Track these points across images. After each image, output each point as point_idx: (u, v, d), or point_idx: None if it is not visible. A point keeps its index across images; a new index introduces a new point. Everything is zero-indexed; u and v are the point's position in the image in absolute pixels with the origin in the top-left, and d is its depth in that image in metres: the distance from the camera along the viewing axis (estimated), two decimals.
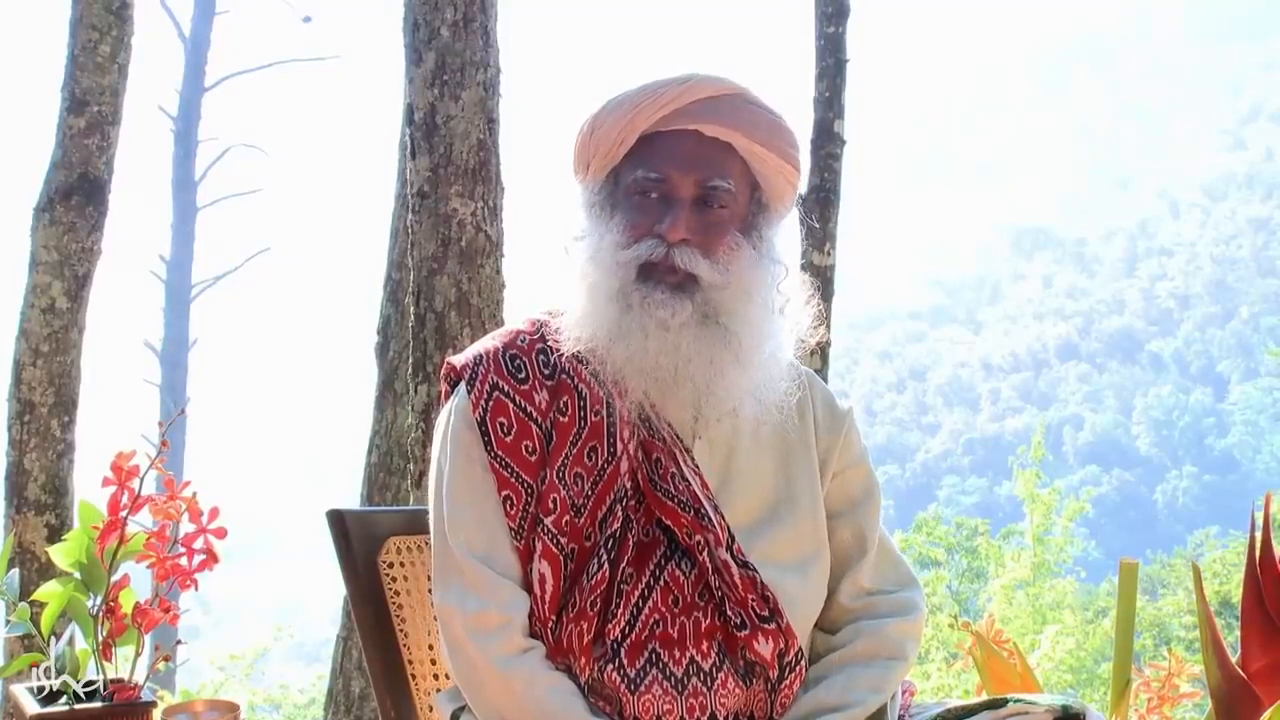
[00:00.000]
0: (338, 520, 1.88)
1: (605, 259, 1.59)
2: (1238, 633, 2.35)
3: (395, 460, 4.99)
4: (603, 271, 1.59)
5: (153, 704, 1.89)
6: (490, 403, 1.62)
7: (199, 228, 16.76)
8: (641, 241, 1.58)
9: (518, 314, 1.78)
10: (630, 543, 1.60)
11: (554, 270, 1.69)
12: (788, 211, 1.72)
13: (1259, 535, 2.32)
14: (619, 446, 1.63)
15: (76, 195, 4.23)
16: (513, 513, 1.59)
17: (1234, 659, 2.29)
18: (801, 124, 4.89)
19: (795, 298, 1.69)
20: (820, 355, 4.46)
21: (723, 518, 1.62)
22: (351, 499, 5.34)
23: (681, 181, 1.59)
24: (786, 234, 1.72)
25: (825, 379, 4.41)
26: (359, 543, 1.88)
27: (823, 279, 4.67)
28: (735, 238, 1.61)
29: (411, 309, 3.57)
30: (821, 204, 4.84)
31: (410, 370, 3.57)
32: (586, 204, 1.67)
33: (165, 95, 16.45)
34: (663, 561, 1.61)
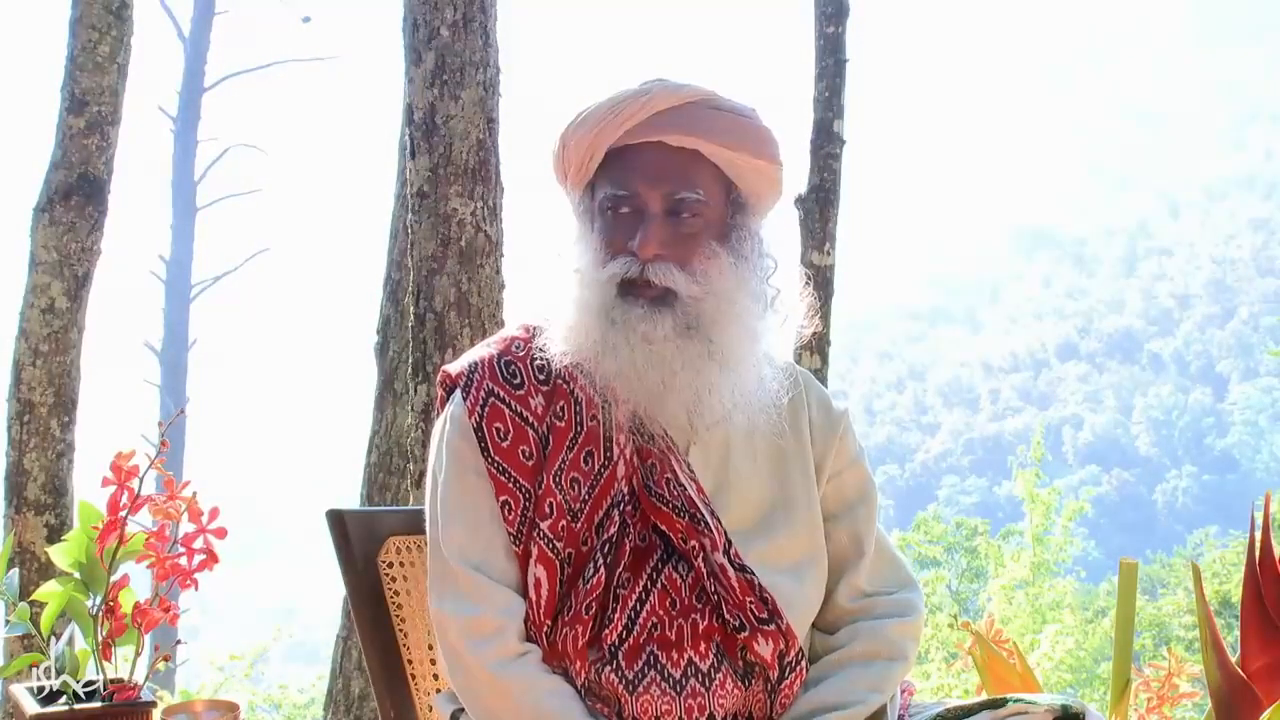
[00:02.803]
0: (337, 520, 1.88)
1: (588, 275, 1.60)
2: (1237, 632, 2.35)
3: (395, 460, 4.99)
4: (587, 286, 1.60)
5: (152, 704, 1.89)
6: (486, 408, 1.62)
7: (199, 228, 16.77)
8: (617, 259, 1.59)
9: (516, 316, 1.78)
10: (627, 548, 1.60)
11: (548, 275, 1.69)
12: (775, 204, 1.70)
13: (1259, 535, 2.32)
14: (615, 451, 1.63)
15: (76, 195, 4.22)
16: (510, 518, 1.59)
17: (1234, 659, 2.29)
18: (801, 124, 4.89)
19: (788, 289, 1.68)
20: (820, 355, 4.46)
21: (719, 522, 1.62)
22: (351, 499, 5.34)
23: (650, 195, 1.59)
24: (776, 226, 1.71)
25: (825, 379, 4.40)
26: (359, 543, 1.87)
27: (823, 279, 4.66)
28: (710, 247, 1.60)
29: (411, 309, 3.57)
30: (821, 204, 4.83)
31: (410, 370, 3.57)
32: (573, 212, 1.68)
33: (165, 95, 16.46)
34: (659, 565, 1.60)
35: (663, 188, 1.59)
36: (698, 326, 1.58)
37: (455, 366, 1.68)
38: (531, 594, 1.57)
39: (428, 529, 1.65)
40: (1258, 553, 2.32)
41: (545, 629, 1.57)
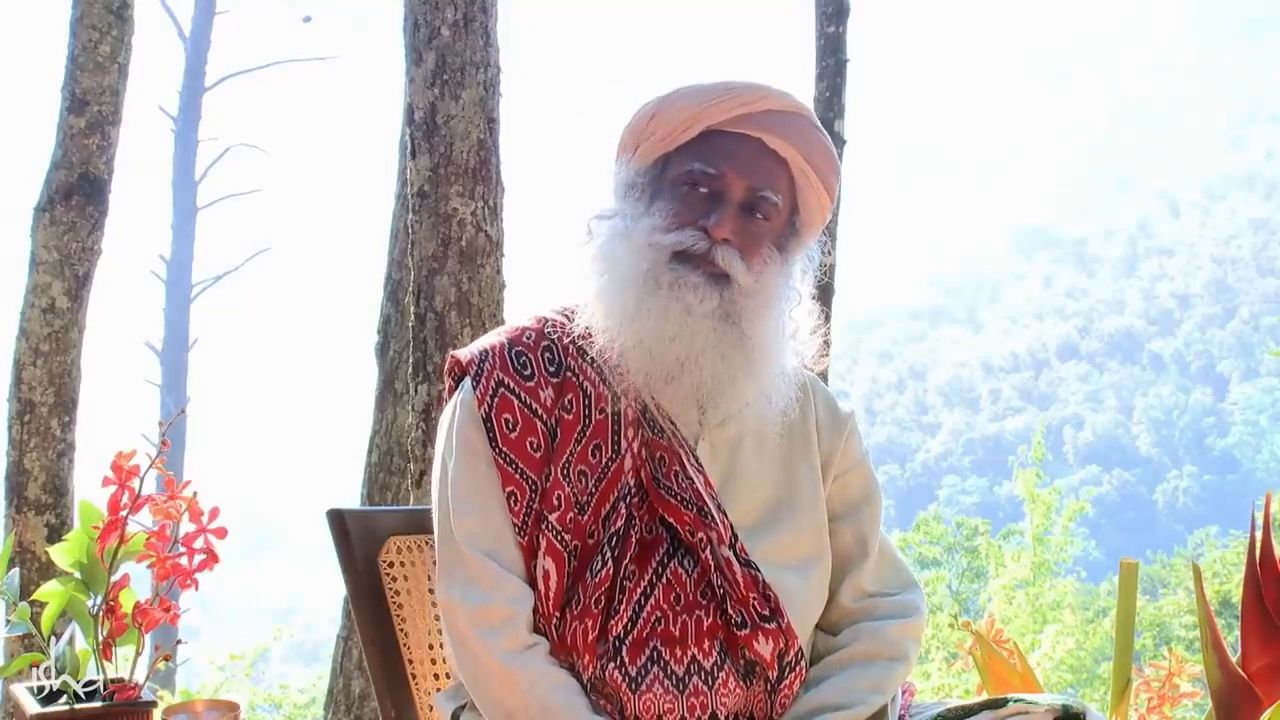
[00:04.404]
0: (338, 520, 1.88)
1: (639, 240, 1.60)
2: (1238, 632, 2.35)
3: (395, 460, 4.99)
4: (632, 251, 1.60)
5: (153, 704, 1.89)
6: (495, 399, 1.62)
7: (199, 228, 16.76)
8: (683, 230, 1.60)
9: (520, 312, 1.78)
10: (633, 540, 1.60)
11: (569, 254, 1.69)
12: (812, 242, 1.74)
13: (1259, 535, 2.32)
14: (623, 444, 1.63)
15: (77, 195, 4.22)
16: (516, 509, 1.59)
17: (1234, 659, 2.29)
18: None
19: (804, 325, 1.71)
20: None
21: (725, 516, 1.62)
22: (351, 499, 5.34)
23: (735, 183, 1.61)
24: (805, 264, 1.74)
25: (825, 379, 4.40)
26: (359, 542, 1.88)
27: (823, 279, 4.66)
28: (771, 251, 1.64)
29: (411, 309, 3.57)
30: None
31: (410, 370, 3.57)
32: (624, 184, 1.68)
33: (165, 95, 16.46)
34: (665, 559, 1.61)
35: (749, 180, 1.61)
36: (737, 320, 1.60)
37: (465, 353, 1.68)
38: (540, 586, 1.57)
39: (436, 516, 1.65)
40: (1258, 553, 2.32)
41: (554, 621, 1.57)
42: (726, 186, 1.61)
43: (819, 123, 1.69)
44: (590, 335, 1.62)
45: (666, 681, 1.55)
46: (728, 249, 1.59)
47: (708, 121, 1.62)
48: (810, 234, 1.72)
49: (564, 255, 1.69)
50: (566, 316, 1.67)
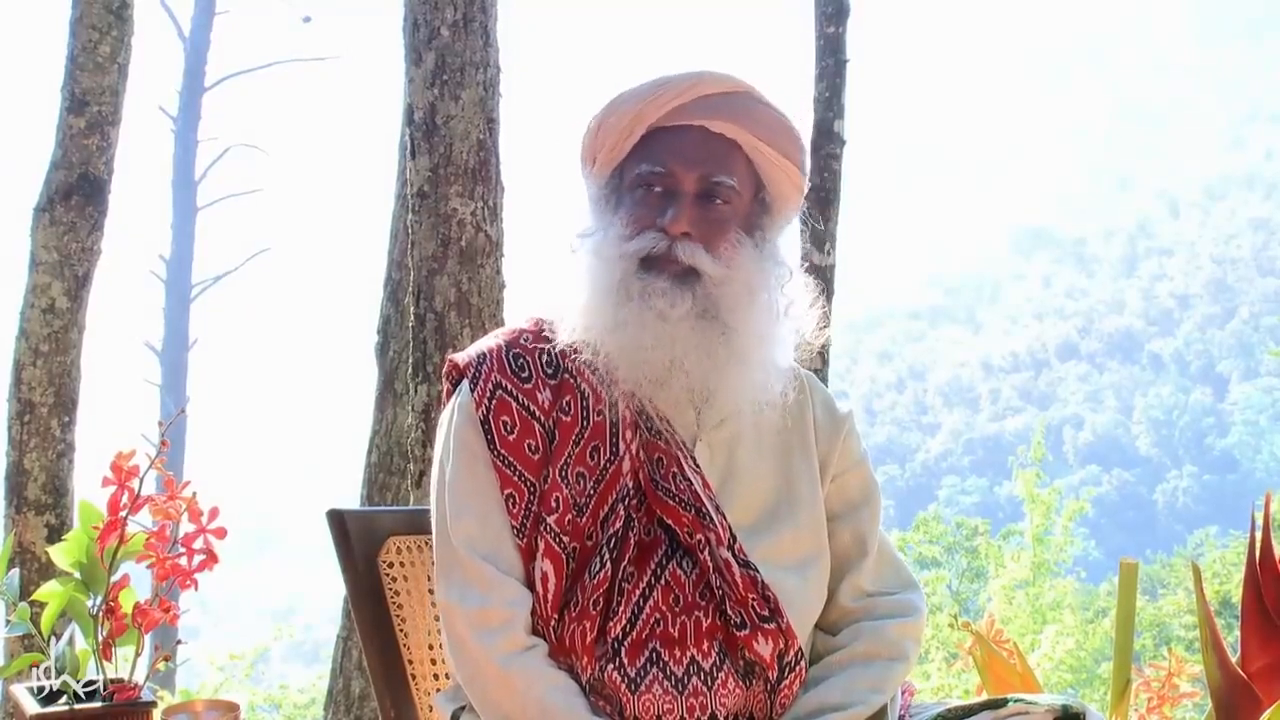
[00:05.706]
0: (338, 520, 1.88)
1: (608, 252, 1.60)
2: (1238, 632, 2.35)
3: (395, 460, 4.99)
4: (604, 264, 1.60)
5: (153, 704, 1.89)
6: (493, 401, 1.62)
7: (199, 228, 16.77)
8: (643, 234, 1.59)
9: (519, 313, 1.78)
10: (631, 542, 1.60)
11: (557, 269, 1.69)
12: (792, 215, 1.72)
13: (1259, 535, 2.32)
14: (621, 446, 1.63)
15: (76, 195, 4.22)
16: (515, 511, 1.59)
17: (1234, 659, 2.29)
18: (801, 124, 4.87)
19: (799, 300, 1.69)
20: (820, 355, 4.45)
21: (724, 517, 1.62)
22: (351, 499, 5.34)
23: (685, 176, 1.60)
24: (790, 238, 1.73)
25: (825, 379, 4.41)
26: (359, 543, 1.88)
27: (823, 279, 4.66)
28: (737, 235, 1.62)
29: (411, 309, 3.57)
30: (821, 204, 4.82)
31: (410, 370, 3.57)
32: (592, 199, 1.68)
33: (165, 95, 16.46)
34: (664, 561, 1.61)
35: (699, 169, 1.60)
36: (716, 314, 1.59)
37: (463, 356, 1.68)
38: (539, 588, 1.57)
39: (434, 518, 1.65)
40: (1258, 553, 2.32)
41: (552, 623, 1.57)
42: (678, 182, 1.60)
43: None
44: (577, 348, 1.61)
45: (666, 682, 1.55)
46: (688, 243, 1.58)
47: (648, 121, 1.61)
48: (787, 206, 1.70)
49: (558, 268, 1.69)
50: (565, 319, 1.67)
